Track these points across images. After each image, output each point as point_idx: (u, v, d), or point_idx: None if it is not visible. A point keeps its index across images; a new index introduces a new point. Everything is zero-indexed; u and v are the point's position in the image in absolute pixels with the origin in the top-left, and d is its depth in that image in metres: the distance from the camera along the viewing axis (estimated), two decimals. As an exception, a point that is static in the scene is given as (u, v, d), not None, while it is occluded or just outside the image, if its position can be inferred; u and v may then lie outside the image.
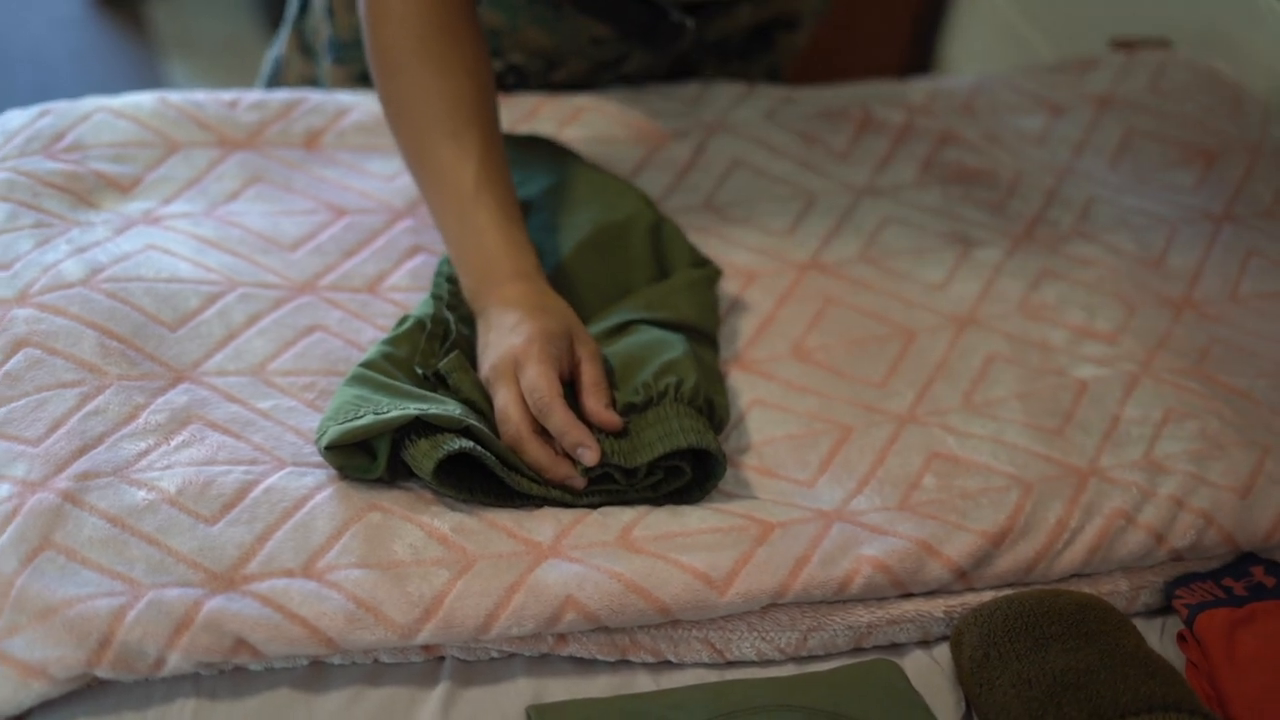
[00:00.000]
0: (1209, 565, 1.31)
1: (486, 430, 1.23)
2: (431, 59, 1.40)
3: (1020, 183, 1.66)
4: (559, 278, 1.41)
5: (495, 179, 1.38)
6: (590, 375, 1.29)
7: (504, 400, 1.26)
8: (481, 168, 1.37)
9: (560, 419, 1.25)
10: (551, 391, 1.25)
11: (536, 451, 1.24)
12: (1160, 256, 1.59)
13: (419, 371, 1.30)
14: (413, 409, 1.22)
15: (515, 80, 1.70)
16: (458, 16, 1.41)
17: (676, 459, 1.25)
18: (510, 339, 1.29)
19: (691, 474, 1.26)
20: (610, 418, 1.26)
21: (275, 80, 1.81)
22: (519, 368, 1.27)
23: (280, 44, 1.81)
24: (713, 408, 1.29)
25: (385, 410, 1.22)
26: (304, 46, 1.77)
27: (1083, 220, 1.62)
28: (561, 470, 1.24)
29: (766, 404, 1.37)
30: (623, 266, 1.43)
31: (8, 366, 1.27)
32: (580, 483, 1.24)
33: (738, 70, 1.78)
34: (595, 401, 1.27)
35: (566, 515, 1.23)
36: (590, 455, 1.24)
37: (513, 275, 1.34)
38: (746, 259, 1.52)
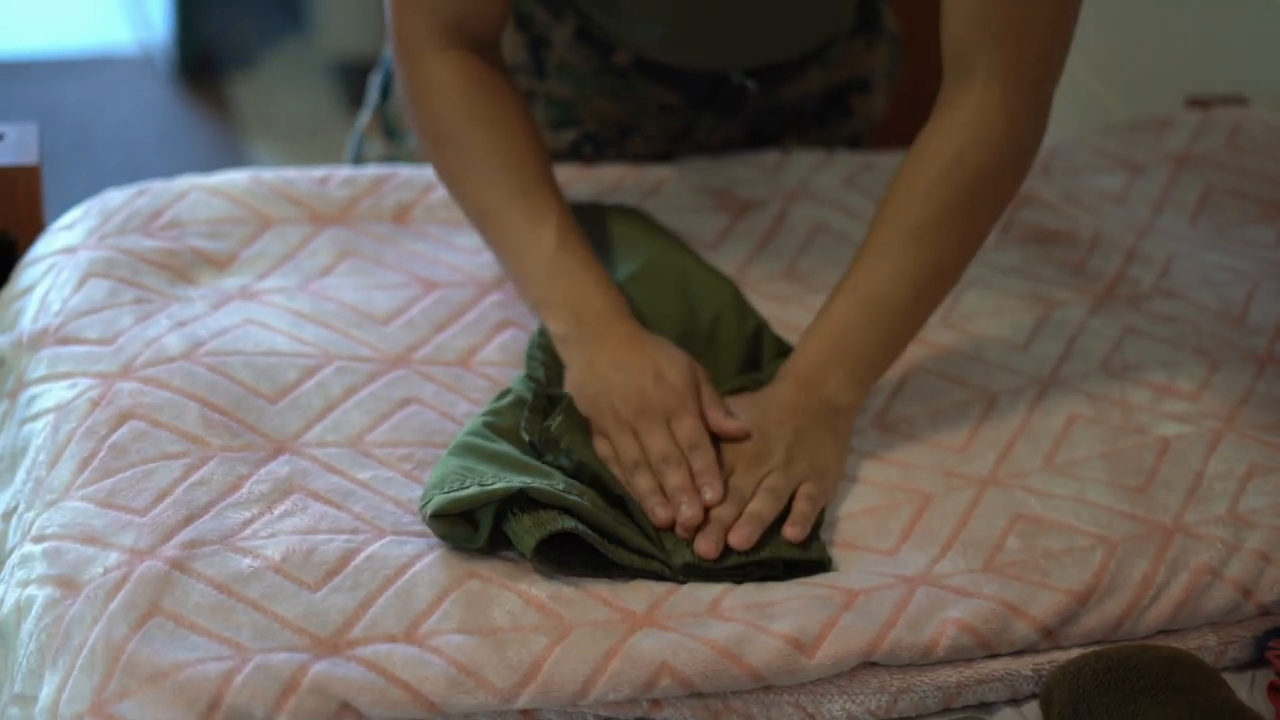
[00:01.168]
0: (1298, 619, 1.31)
1: (588, 504, 1.25)
2: (482, 122, 1.42)
3: (1100, 241, 1.67)
4: None
5: (577, 231, 1.40)
6: (716, 424, 1.33)
7: (660, 444, 1.29)
8: (562, 221, 1.40)
9: (706, 460, 1.29)
10: (705, 437, 1.30)
11: (656, 502, 1.28)
12: (1242, 312, 1.59)
13: (525, 438, 1.32)
14: (517, 482, 1.24)
15: (592, 149, 1.72)
16: (496, 80, 1.43)
17: (770, 568, 1.27)
18: (640, 380, 1.32)
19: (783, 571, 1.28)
20: (736, 426, 1.31)
21: (358, 162, 1.84)
22: (679, 409, 1.31)
23: (361, 127, 1.84)
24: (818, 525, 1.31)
25: (490, 482, 1.24)
26: (387, 129, 1.80)
27: (1163, 278, 1.63)
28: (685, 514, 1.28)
29: (846, 478, 1.38)
30: (711, 370, 1.43)
31: (114, 438, 1.31)
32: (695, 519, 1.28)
33: (817, 139, 1.80)
34: (716, 414, 1.32)
35: (660, 588, 1.25)
36: (715, 491, 1.28)
37: (614, 314, 1.36)
38: (828, 324, 1.53)
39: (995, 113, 1.35)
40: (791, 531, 1.27)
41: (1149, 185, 1.77)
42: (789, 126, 1.78)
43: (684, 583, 1.26)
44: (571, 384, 1.36)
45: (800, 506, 1.29)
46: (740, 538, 1.26)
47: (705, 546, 1.26)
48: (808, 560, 1.27)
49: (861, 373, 1.36)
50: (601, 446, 1.33)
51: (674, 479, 1.29)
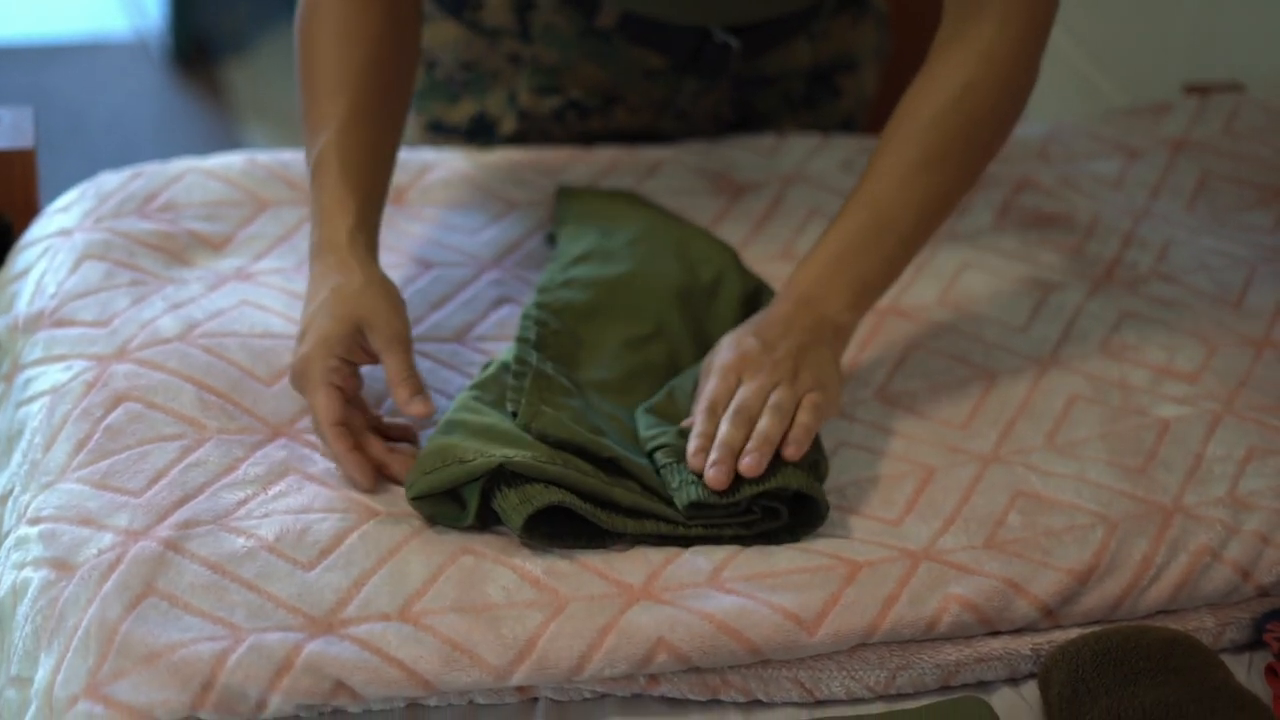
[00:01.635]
0: (1297, 601, 1.31)
1: (574, 473, 1.24)
2: (340, 44, 1.42)
3: (1098, 226, 1.67)
4: (646, 340, 1.42)
5: (349, 145, 1.37)
6: (396, 369, 1.30)
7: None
8: (337, 133, 1.37)
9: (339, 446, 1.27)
10: (329, 421, 1.27)
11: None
12: (1239, 297, 1.59)
13: (509, 410, 1.31)
14: (498, 456, 1.23)
15: (576, 116, 1.72)
16: (386, 26, 1.42)
17: (775, 501, 1.26)
18: (305, 341, 1.29)
19: (787, 518, 1.27)
20: (417, 409, 1.28)
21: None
22: (303, 391, 1.30)
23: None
24: (819, 459, 1.30)
25: (470, 459, 1.23)
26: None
27: (1161, 262, 1.63)
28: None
29: (850, 445, 1.38)
30: (711, 328, 1.44)
31: (109, 420, 1.31)
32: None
33: (809, 122, 1.80)
34: (404, 393, 1.28)
35: (657, 556, 1.24)
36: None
37: (327, 246, 1.34)
38: (826, 306, 1.53)
39: (1005, 49, 1.38)
40: (789, 451, 1.26)
41: (1146, 170, 1.78)
42: (778, 107, 1.77)
43: (688, 535, 1.25)
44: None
45: (803, 418, 1.28)
46: (750, 464, 1.24)
47: (716, 476, 1.24)
48: (812, 499, 1.26)
49: (861, 295, 1.37)
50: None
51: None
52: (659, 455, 1.28)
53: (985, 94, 1.38)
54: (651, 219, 1.57)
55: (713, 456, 1.25)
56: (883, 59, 1.82)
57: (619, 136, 1.74)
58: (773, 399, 1.29)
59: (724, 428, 1.27)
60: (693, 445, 1.27)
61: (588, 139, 1.74)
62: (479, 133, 1.74)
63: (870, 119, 1.84)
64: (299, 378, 1.30)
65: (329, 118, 1.38)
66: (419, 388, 1.29)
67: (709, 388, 1.31)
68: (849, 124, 1.83)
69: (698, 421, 1.29)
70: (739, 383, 1.30)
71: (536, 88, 1.70)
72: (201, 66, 3.47)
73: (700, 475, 1.26)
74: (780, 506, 1.26)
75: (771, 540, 1.27)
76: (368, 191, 1.37)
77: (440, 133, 1.75)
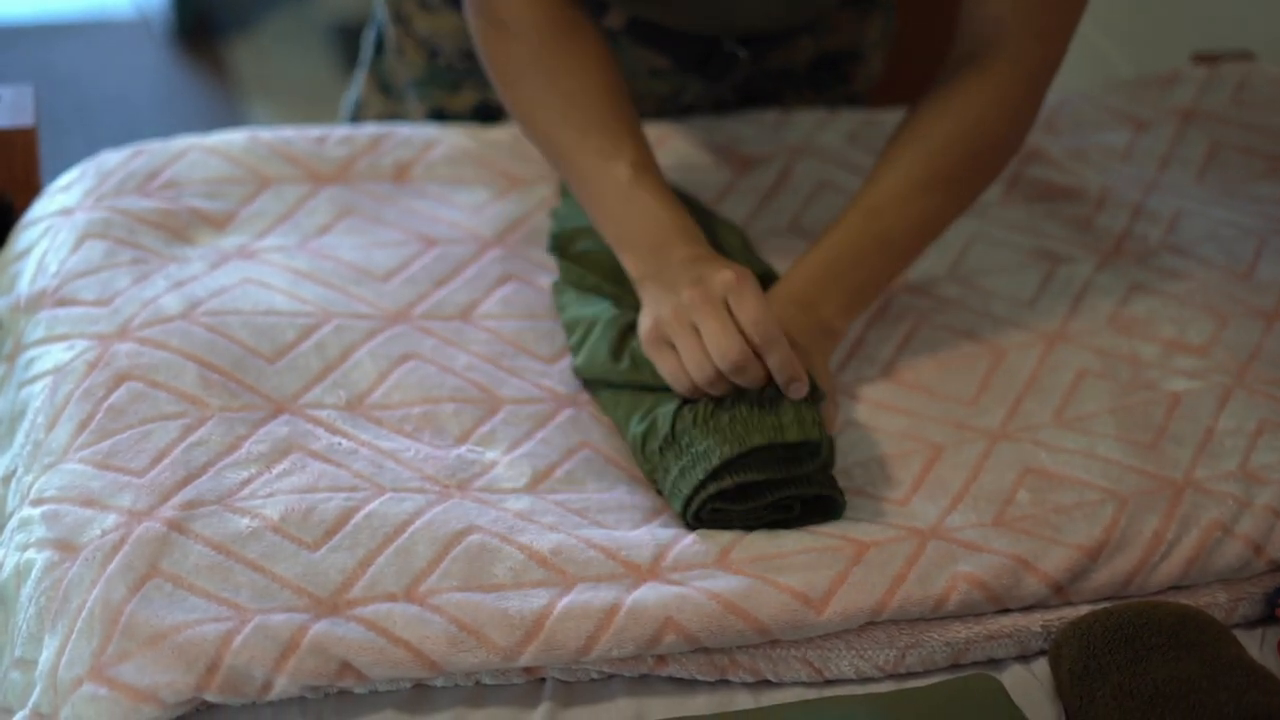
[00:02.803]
0: (1309, 575, 1.30)
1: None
2: (557, 67, 1.41)
3: (1107, 198, 1.66)
4: None
5: (651, 164, 1.40)
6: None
7: (716, 329, 1.26)
8: (637, 155, 1.38)
9: (785, 352, 1.26)
10: (777, 324, 1.26)
11: (759, 371, 1.26)
12: (1250, 268, 1.58)
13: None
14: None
15: None
16: (572, 17, 1.42)
17: (790, 493, 1.26)
18: (714, 274, 1.28)
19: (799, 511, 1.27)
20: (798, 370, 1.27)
21: (355, 120, 1.83)
22: (735, 298, 1.27)
23: (358, 86, 1.84)
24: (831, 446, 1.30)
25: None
26: (382, 86, 1.79)
27: (1171, 234, 1.62)
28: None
29: (857, 425, 1.37)
30: None
31: (111, 400, 1.30)
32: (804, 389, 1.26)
33: (812, 100, 1.78)
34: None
35: (664, 535, 1.24)
36: (802, 388, 1.26)
37: (693, 242, 1.35)
38: (833, 280, 1.52)
39: (1017, 91, 1.44)
40: (794, 388, 1.26)
41: (1155, 141, 1.77)
42: (782, 90, 1.76)
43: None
44: (648, 318, 1.33)
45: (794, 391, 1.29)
46: (798, 387, 1.26)
47: (802, 390, 1.26)
48: (828, 497, 1.27)
49: (854, 303, 1.39)
50: (668, 365, 1.30)
51: (750, 376, 1.26)
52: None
53: (994, 128, 1.43)
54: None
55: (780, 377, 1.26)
56: (889, 41, 1.80)
57: None
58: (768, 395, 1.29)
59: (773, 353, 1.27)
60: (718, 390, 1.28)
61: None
62: (481, 122, 1.72)
63: (876, 95, 1.83)
64: (715, 295, 1.27)
65: (621, 141, 1.39)
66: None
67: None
68: (855, 100, 1.81)
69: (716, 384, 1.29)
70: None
71: None
72: (204, 44, 3.46)
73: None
74: (795, 503, 1.26)
75: (779, 526, 1.26)
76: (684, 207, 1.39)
77: (443, 121, 1.74)
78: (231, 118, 3.20)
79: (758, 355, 1.27)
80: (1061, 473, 1.32)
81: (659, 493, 1.30)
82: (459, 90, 1.72)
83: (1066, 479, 1.31)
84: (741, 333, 1.26)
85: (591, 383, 1.37)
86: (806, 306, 1.36)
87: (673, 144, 1.67)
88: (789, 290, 1.38)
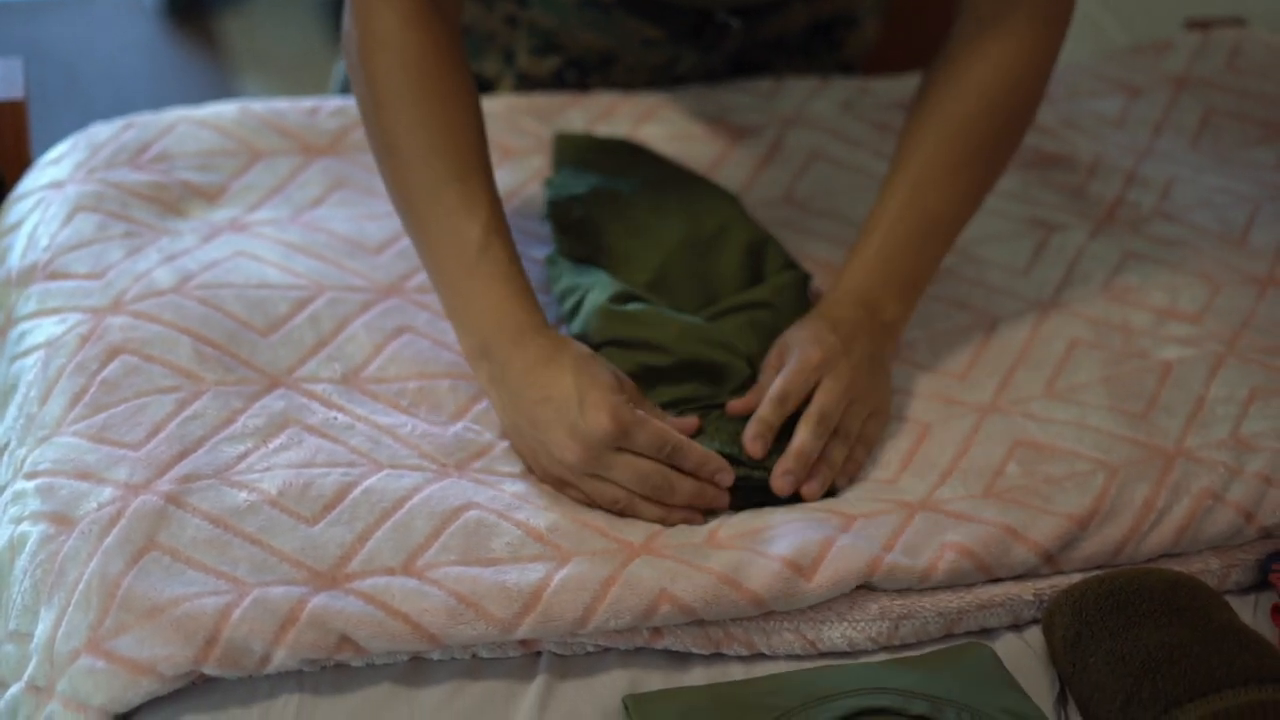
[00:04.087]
0: (1302, 541, 1.30)
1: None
2: (432, 94, 1.31)
3: (1100, 166, 1.66)
4: (646, 287, 1.41)
5: (504, 229, 1.31)
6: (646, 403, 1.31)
7: (623, 475, 1.24)
8: (491, 216, 1.30)
9: (698, 453, 1.26)
10: (674, 433, 1.25)
11: (657, 511, 1.25)
12: (1243, 235, 1.58)
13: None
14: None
15: (576, 76, 1.71)
16: (452, 50, 1.34)
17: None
18: (569, 415, 1.23)
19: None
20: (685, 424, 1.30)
21: (345, 92, 1.82)
22: (624, 437, 1.23)
23: (345, 57, 1.82)
24: None
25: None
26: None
27: (1164, 201, 1.62)
28: (706, 499, 1.26)
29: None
30: (714, 277, 1.44)
31: (105, 374, 1.30)
32: (725, 500, 1.27)
33: (804, 68, 1.78)
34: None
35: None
36: (729, 476, 1.26)
37: (531, 329, 1.28)
38: (826, 251, 1.52)
39: (1040, 45, 1.42)
40: (809, 489, 1.28)
41: (1148, 108, 1.76)
42: (775, 59, 1.76)
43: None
44: (504, 426, 1.29)
45: (859, 454, 1.31)
46: (813, 489, 1.27)
47: (782, 485, 1.27)
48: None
49: (911, 295, 1.39)
50: (575, 496, 1.26)
51: (681, 492, 1.25)
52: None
53: (1026, 92, 1.42)
54: (651, 167, 1.55)
55: (788, 464, 1.27)
56: (884, 7, 1.80)
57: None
58: (844, 423, 1.30)
59: (804, 435, 1.27)
60: (752, 430, 1.28)
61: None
62: None
63: (870, 63, 1.83)
64: (603, 434, 1.22)
65: (476, 201, 1.30)
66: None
67: (787, 379, 1.30)
68: (848, 69, 1.81)
69: (765, 407, 1.29)
70: (818, 381, 1.30)
71: (533, 48, 1.68)
72: (195, 17, 3.44)
73: (752, 459, 1.28)
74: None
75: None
76: (526, 277, 1.32)
77: None
78: (223, 91, 3.19)
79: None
80: (1052, 444, 1.32)
81: None
82: None
83: (1057, 450, 1.31)
84: (647, 458, 1.24)
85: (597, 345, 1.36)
86: (873, 309, 1.36)
87: (665, 114, 1.67)
88: (855, 290, 1.37)
